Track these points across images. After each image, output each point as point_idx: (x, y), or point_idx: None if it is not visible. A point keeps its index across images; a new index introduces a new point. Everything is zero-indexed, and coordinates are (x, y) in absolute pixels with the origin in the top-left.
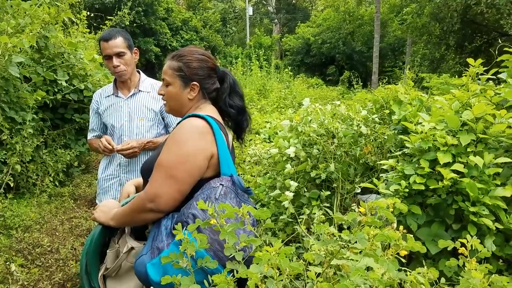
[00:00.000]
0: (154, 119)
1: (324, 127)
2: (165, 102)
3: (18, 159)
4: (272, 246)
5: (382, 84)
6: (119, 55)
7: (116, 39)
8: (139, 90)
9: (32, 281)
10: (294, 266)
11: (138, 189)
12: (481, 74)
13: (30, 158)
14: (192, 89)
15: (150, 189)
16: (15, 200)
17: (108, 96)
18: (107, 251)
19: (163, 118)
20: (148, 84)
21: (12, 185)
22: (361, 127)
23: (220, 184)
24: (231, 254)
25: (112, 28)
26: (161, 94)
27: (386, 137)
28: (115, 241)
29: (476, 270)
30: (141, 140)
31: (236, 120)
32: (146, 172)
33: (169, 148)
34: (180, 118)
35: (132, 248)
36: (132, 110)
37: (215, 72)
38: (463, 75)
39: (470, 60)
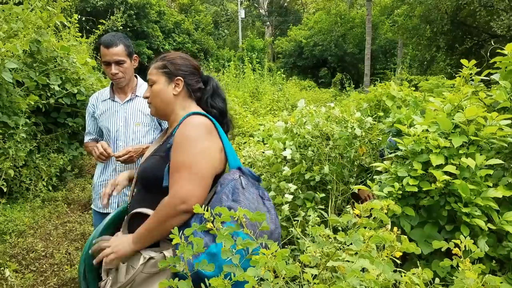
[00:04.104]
0: (150, 124)
1: (318, 129)
2: (149, 103)
3: (11, 164)
4: (268, 249)
5: (373, 85)
6: (119, 63)
7: (117, 47)
8: (136, 95)
9: (26, 286)
10: (291, 269)
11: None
12: (475, 75)
13: (23, 162)
14: (177, 84)
15: (179, 190)
16: (8, 205)
17: (105, 100)
18: (114, 268)
19: (159, 124)
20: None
21: (5, 190)
22: (355, 129)
23: (239, 175)
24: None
25: (114, 33)
26: (146, 97)
27: (380, 138)
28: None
29: (470, 270)
30: (138, 146)
31: (218, 123)
32: (146, 180)
33: (184, 148)
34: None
35: (151, 258)
36: (128, 115)
37: (198, 71)
38: (456, 76)
39: (464, 61)
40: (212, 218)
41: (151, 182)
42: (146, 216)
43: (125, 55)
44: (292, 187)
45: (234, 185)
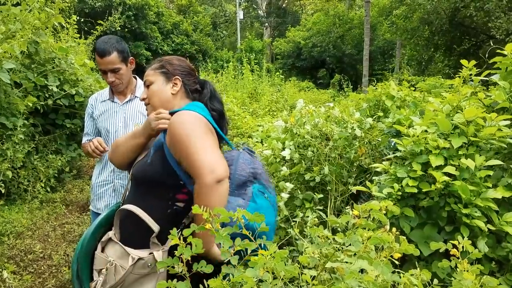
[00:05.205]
0: None
1: (318, 129)
2: (147, 104)
3: (9, 165)
4: (266, 250)
5: (372, 85)
6: (114, 71)
7: (111, 56)
8: (135, 96)
9: None
10: (290, 270)
11: None
12: (475, 75)
13: (21, 164)
14: (175, 84)
15: (200, 169)
16: (6, 207)
17: (104, 101)
18: (104, 268)
19: None
20: None
21: (3, 191)
22: (355, 129)
23: (241, 150)
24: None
25: (106, 39)
26: (143, 99)
27: (380, 139)
28: (105, 253)
29: (467, 271)
30: None
31: (217, 124)
32: (140, 179)
33: (183, 134)
34: None
35: (140, 258)
36: (127, 116)
37: (194, 73)
38: (455, 76)
39: (463, 62)
40: (211, 220)
41: (145, 180)
42: (137, 215)
43: (120, 61)
44: (289, 186)
45: (245, 156)
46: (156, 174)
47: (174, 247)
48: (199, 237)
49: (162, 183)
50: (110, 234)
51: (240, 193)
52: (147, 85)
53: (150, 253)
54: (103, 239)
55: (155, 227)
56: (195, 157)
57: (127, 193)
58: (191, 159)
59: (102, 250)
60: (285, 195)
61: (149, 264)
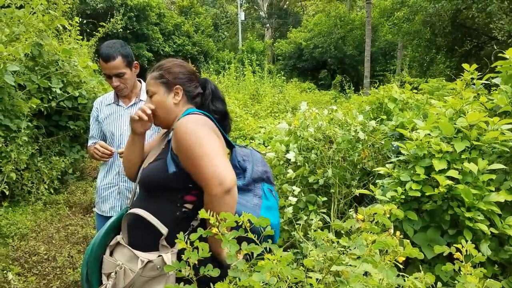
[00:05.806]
0: (155, 128)
1: (321, 131)
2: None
3: (13, 167)
4: (272, 253)
5: (373, 87)
6: (118, 75)
7: (115, 60)
8: (140, 100)
9: None
10: (296, 274)
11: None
12: (477, 79)
13: (25, 166)
14: (176, 93)
15: (209, 180)
16: (10, 208)
17: (109, 104)
18: (113, 272)
19: None
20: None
21: (7, 193)
22: (358, 132)
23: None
24: None
25: (111, 44)
26: (150, 109)
27: (383, 142)
28: (114, 257)
29: (471, 274)
30: None
31: (220, 125)
32: (149, 184)
33: (190, 143)
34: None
35: (150, 261)
36: None
37: (195, 77)
38: (457, 78)
39: (465, 66)
40: (217, 223)
41: (154, 186)
42: (145, 219)
43: (124, 66)
44: (296, 189)
45: (257, 154)
46: (164, 179)
47: (183, 250)
48: (210, 242)
49: (170, 186)
50: (118, 238)
51: (254, 188)
52: (150, 95)
53: (159, 256)
54: (111, 243)
55: (164, 230)
56: (201, 169)
57: (135, 197)
58: (198, 171)
59: (111, 254)
60: (293, 199)
61: (158, 267)
